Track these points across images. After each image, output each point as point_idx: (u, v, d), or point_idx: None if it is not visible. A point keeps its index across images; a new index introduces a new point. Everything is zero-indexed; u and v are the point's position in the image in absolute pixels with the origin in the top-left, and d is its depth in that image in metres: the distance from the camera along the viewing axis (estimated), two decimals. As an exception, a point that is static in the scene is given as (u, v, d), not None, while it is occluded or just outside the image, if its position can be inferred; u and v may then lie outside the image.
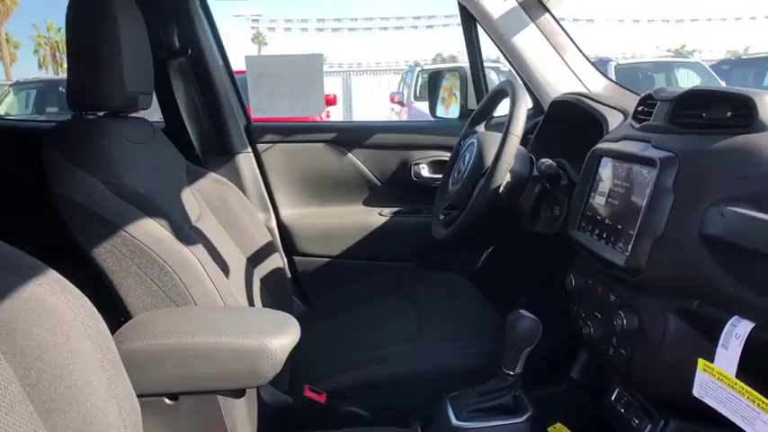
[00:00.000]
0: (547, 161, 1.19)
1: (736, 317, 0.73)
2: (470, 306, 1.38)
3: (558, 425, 1.19)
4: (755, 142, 0.76)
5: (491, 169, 1.15)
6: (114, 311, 1.06)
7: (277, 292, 1.51)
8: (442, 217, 1.44)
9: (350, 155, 1.78)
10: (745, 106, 0.80)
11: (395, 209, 1.81)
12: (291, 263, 1.78)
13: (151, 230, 1.06)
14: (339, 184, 1.80)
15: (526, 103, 1.20)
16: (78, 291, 0.62)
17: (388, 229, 1.77)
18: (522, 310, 1.02)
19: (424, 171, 1.79)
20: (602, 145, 1.05)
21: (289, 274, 1.76)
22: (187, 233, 1.12)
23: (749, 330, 0.71)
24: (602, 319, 1.02)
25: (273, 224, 1.76)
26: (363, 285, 1.61)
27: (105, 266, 1.07)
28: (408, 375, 1.14)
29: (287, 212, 1.79)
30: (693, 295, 0.81)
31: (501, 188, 1.16)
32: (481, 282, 1.56)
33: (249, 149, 1.78)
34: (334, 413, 1.15)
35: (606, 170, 1.03)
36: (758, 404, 0.70)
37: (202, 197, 1.40)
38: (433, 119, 1.88)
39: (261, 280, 1.48)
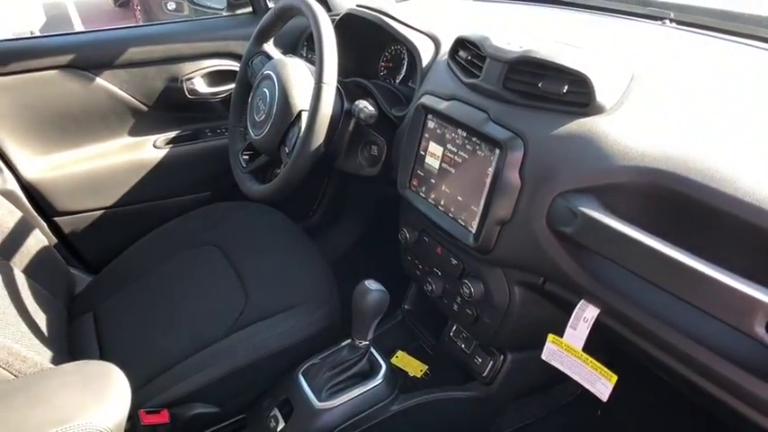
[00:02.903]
0: (365, 108, 1.06)
1: (583, 301, 0.79)
2: (292, 252, 1.28)
3: (400, 353, 1.26)
4: (597, 129, 0.76)
5: (307, 131, 1.00)
6: None
7: (47, 278, 1.20)
8: (244, 165, 1.24)
9: (99, 80, 1.37)
10: (581, 84, 0.77)
11: (171, 134, 1.52)
12: (55, 228, 1.42)
13: None
14: (92, 117, 1.41)
15: (332, 35, 1.01)
16: None
17: (169, 161, 1.49)
18: (368, 282, 0.98)
19: (200, 86, 1.49)
20: (428, 102, 0.96)
21: (54, 241, 1.41)
22: None
23: (596, 316, 0.78)
24: (444, 277, 1.04)
25: (13, 186, 1.34)
26: (156, 238, 1.38)
27: None
28: (249, 365, 1.06)
29: (29, 167, 1.36)
30: (540, 274, 0.85)
31: (321, 145, 1.02)
32: (287, 205, 1.44)
33: None
34: (179, 421, 1.04)
35: (436, 130, 0.96)
36: (599, 371, 0.80)
37: None
38: (195, 18, 1.53)
39: (22, 272, 1.15)
